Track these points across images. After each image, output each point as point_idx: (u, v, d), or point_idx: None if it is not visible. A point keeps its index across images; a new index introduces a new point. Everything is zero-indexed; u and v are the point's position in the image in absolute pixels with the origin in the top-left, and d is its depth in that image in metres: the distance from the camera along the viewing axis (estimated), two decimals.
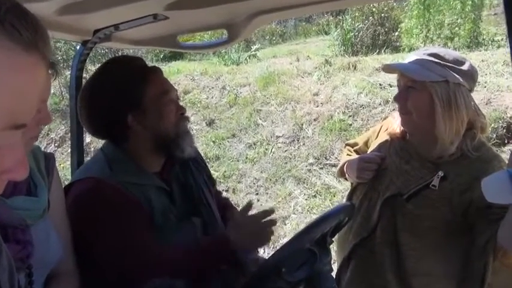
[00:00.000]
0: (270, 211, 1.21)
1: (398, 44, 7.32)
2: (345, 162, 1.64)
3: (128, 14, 1.26)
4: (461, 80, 1.26)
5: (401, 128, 1.46)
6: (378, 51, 7.00)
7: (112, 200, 1.09)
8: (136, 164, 1.20)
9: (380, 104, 5.15)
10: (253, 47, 8.46)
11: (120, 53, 7.34)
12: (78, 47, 1.55)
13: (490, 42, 6.57)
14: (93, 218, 1.06)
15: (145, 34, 1.55)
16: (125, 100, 1.16)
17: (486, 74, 5.14)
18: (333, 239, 1.16)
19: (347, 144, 1.82)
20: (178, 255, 1.10)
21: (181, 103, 1.29)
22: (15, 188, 0.86)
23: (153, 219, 1.14)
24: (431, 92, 1.27)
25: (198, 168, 1.39)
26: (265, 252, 3.73)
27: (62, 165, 5.64)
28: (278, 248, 1.06)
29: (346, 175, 1.64)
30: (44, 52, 0.42)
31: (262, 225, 1.18)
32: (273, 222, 1.20)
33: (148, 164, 1.24)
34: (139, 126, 1.18)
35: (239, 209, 1.30)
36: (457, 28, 6.66)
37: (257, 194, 4.60)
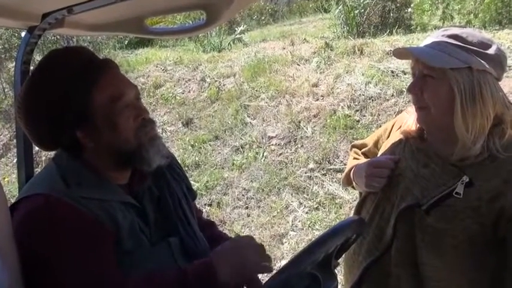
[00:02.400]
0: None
1: (412, 22, 7.38)
2: (352, 168, 1.65)
3: None
4: (487, 66, 1.28)
5: (418, 125, 1.47)
6: (388, 31, 7.06)
7: (66, 221, 1.08)
8: (97, 176, 1.20)
9: (392, 95, 5.20)
10: (238, 29, 8.50)
11: (74, 41, 7.31)
12: (23, 35, 1.54)
13: None
14: (44, 244, 1.06)
15: (106, 18, 1.54)
16: (69, 112, 1.14)
17: None
18: (339, 261, 1.17)
19: (353, 146, 1.83)
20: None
21: (142, 103, 1.26)
22: None
23: (121, 242, 1.13)
24: (451, 81, 1.28)
25: (175, 177, 1.39)
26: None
27: (6, 179, 5.59)
28: (274, 273, 1.06)
29: (354, 183, 1.65)
30: None
31: (247, 252, 1.17)
32: (270, 260, 1.21)
33: (112, 176, 1.24)
34: (91, 142, 1.18)
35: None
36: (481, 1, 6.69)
37: (247, 207, 4.61)
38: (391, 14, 7.50)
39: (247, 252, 1.17)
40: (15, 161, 5.94)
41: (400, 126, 1.59)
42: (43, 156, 5.67)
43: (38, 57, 7.34)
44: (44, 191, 1.12)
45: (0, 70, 7.37)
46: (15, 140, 1.63)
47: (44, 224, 1.07)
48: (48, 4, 1.34)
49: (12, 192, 4.96)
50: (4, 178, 5.61)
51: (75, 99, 1.14)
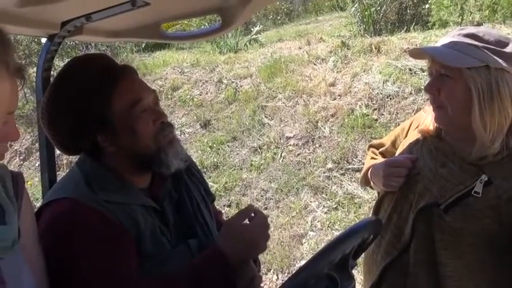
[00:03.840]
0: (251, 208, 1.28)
1: (430, 19, 7.30)
2: (369, 168, 1.66)
3: (101, 2, 1.28)
4: (504, 64, 1.28)
5: (435, 124, 1.47)
6: (406, 28, 7.00)
7: (91, 225, 1.10)
8: (119, 180, 1.23)
9: (411, 93, 5.16)
10: (254, 30, 8.51)
11: (93, 45, 7.40)
12: (43, 41, 1.58)
13: None
14: (69, 247, 1.08)
15: (123, 24, 1.57)
16: (89, 117, 1.17)
17: None
18: (357, 262, 1.18)
19: (371, 146, 1.83)
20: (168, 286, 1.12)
21: (160, 107, 1.29)
22: None
23: (142, 245, 1.16)
24: (468, 80, 1.28)
25: (193, 181, 1.42)
26: (278, 279, 3.75)
27: (29, 183, 5.70)
28: (291, 274, 1.08)
29: (371, 183, 1.66)
30: (7, 60, 0.44)
31: (257, 231, 1.22)
32: (268, 225, 1.26)
33: (133, 180, 1.26)
34: (112, 147, 1.21)
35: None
36: None
37: (266, 208, 4.62)
38: (408, 11, 7.44)
39: (252, 231, 1.23)
40: (37, 165, 6.05)
41: (418, 126, 1.59)
42: (64, 160, 5.77)
43: (57, 62, 7.49)
44: (69, 195, 1.15)
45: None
46: (37, 144, 1.68)
47: (70, 228, 1.10)
48: (67, 12, 1.37)
49: (35, 195, 5.06)
50: (27, 181, 5.72)
51: (95, 105, 1.17)
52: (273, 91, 5.99)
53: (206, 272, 1.14)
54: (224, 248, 1.17)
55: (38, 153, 1.63)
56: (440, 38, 1.45)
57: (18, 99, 0.96)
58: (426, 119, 1.54)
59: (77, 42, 7.64)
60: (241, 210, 1.28)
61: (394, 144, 1.72)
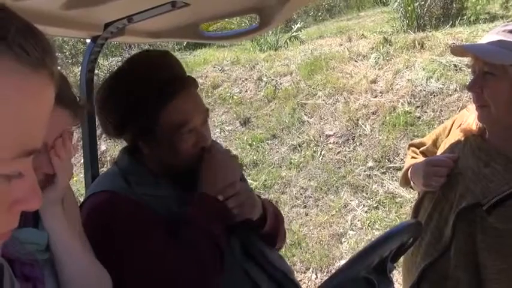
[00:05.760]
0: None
1: (473, 12, 7.08)
2: (409, 167, 1.64)
3: (142, 3, 1.32)
4: None
5: (478, 123, 1.44)
6: (451, 23, 6.81)
7: (127, 214, 1.18)
8: (155, 176, 1.29)
9: (456, 90, 5.03)
10: (295, 27, 8.47)
11: (135, 46, 7.56)
12: (88, 41, 1.63)
13: None
14: (110, 236, 1.15)
15: (163, 25, 1.61)
16: (136, 123, 1.23)
17: None
18: (395, 265, 1.17)
19: (411, 145, 1.81)
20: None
21: (207, 128, 1.32)
22: (21, 218, 0.93)
23: (178, 233, 1.21)
24: None
25: None
26: (317, 278, 3.75)
27: (75, 179, 5.89)
28: (330, 275, 1.08)
29: (411, 182, 1.64)
30: (52, 69, 0.47)
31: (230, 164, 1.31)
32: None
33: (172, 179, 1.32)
34: (151, 153, 1.27)
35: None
36: None
37: (305, 206, 4.61)
38: (454, 5, 7.22)
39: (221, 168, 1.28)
40: (82, 161, 6.22)
41: (460, 124, 1.56)
42: (108, 157, 5.94)
43: (102, 61, 7.70)
44: (107, 188, 1.24)
45: (67, 75, 7.76)
46: (80, 142, 1.75)
47: (108, 217, 1.18)
48: (110, 14, 1.42)
49: (80, 190, 5.22)
50: (73, 177, 5.91)
51: (143, 116, 1.22)
52: (313, 88, 5.96)
53: (202, 217, 1.20)
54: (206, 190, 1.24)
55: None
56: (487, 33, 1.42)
57: (60, 130, 0.96)
58: (469, 117, 1.51)
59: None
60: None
61: (435, 143, 1.69)
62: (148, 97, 1.20)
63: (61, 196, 0.98)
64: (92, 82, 1.62)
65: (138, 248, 1.15)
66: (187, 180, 1.28)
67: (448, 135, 1.63)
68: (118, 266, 1.11)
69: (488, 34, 1.37)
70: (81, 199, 1.32)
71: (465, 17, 6.95)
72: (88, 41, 1.64)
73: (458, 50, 1.41)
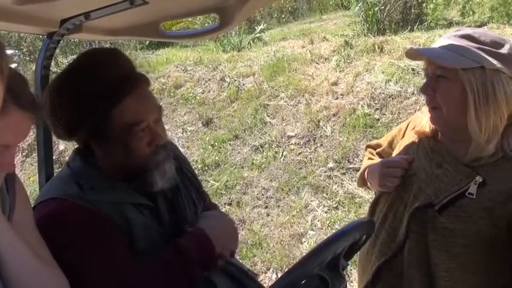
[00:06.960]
0: None
1: (432, 18, 7.27)
2: (366, 168, 1.66)
3: (99, 0, 1.30)
4: (500, 65, 1.28)
5: (431, 125, 1.48)
6: (409, 28, 6.98)
7: (79, 223, 1.12)
8: (109, 179, 1.23)
9: (413, 93, 5.15)
10: (258, 28, 8.51)
11: (96, 42, 7.42)
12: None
13: None
14: (60, 249, 1.08)
15: (122, 23, 1.59)
16: (86, 123, 1.18)
17: None
18: (350, 261, 1.19)
19: (368, 146, 1.84)
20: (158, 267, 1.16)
21: (160, 125, 1.27)
22: None
23: (134, 242, 1.17)
24: (464, 81, 1.29)
25: (185, 184, 1.43)
26: (277, 277, 3.76)
27: (31, 179, 5.72)
28: (284, 272, 1.08)
29: (368, 183, 1.66)
30: (1, 64, 0.45)
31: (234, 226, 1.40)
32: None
33: (125, 180, 1.27)
34: (103, 154, 1.23)
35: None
36: None
37: (266, 207, 4.63)
38: (413, 10, 7.40)
39: (229, 228, 1.41)
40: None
41: (415, 126, 1.59)
42: (66, 157, 5.79)
43: (61, 59, 7.51)
44: (57, 195, 1.17)
45: (25, 72, 7.54)
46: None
47: (58, 228, 1.11)
48: (66, 10, 1.38)
49: (37, 191, 5.07)
50: (29, 178, 5.75)
51: (93, 116, 1.17)
52: (275, 90, 5.99)
53: (189, 252, 1.20)
54: (210, 235, 1.26)
55: None
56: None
57: (24, 135, 0.95)
58: (423, 119, 1.54)
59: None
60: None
61: (391, 145, 1.73)
62: (98, 96, 1.15)
63: None
64: (47, 79, 1.58)
65: (95, 265, 1.09)
66: (142, 180, 1.24)
67: (403, 136, 1.66)
68: (74, 282, 1.05)
69: (441, 39, 1.40)
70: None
71: (425, 23, 7.13)
72: None
73: (412, 54, 1.43)
